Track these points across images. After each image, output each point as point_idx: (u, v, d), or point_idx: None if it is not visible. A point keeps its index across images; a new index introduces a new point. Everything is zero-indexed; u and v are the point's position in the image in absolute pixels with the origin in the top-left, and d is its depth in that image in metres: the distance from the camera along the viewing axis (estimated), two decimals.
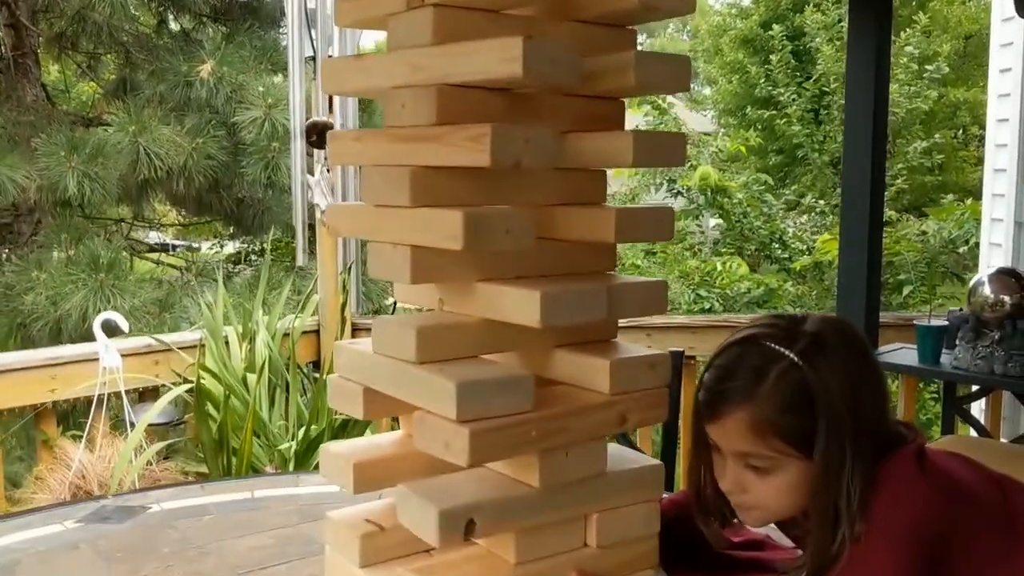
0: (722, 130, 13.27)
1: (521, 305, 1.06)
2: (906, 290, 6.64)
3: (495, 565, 1.09)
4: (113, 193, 5.87)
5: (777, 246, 8.07)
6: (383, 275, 1.13)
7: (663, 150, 1.15)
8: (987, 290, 2.55)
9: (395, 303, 3.45)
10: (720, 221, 8.73)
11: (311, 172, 3.14)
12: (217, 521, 1.59)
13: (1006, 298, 2.52)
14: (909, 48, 9.30)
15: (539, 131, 1.04)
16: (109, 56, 7.32)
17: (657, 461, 1.20)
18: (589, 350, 1.17)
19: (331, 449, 1.23)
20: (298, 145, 3.11)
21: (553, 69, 1.01)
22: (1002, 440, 3.28)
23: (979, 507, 1.14)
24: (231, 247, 10.19)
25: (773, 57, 10.09)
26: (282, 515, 1.62)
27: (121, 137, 5.71)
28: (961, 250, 7.01)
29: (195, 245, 11.10)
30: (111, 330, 2.78)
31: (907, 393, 3.37)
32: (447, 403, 1.01)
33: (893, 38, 9.67)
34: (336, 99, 3.07)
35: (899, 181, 8.86)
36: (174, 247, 10.56)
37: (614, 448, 1.20)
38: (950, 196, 8.49)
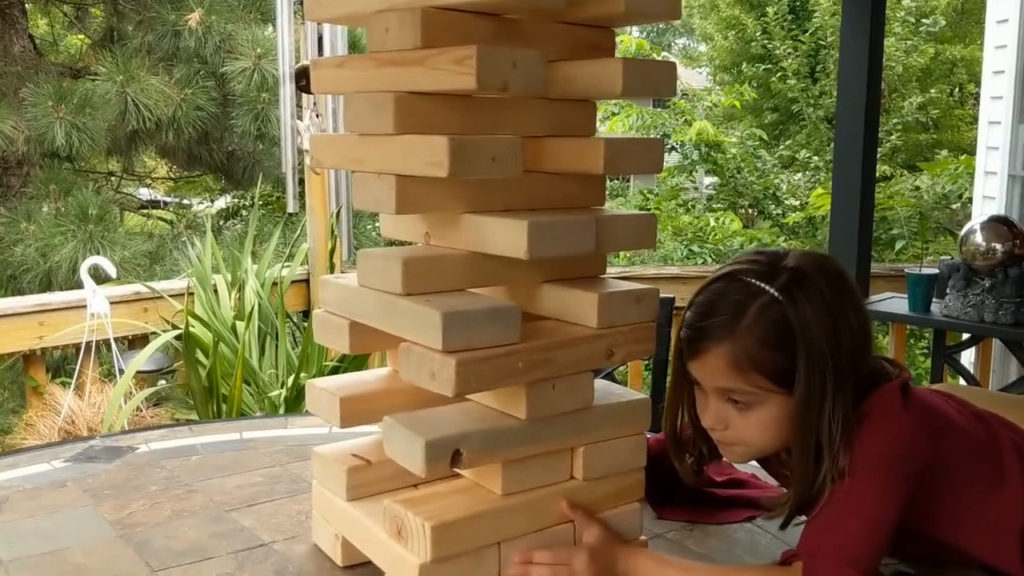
0: (717, 87, 13.17)
1: (508, 236, 1.05)
2: (898, 245, 6.64)
3: (481, 496, 1.09)
4: (102, 144, 5.81)
5: (771, 202, 8.05)
6: (368, 206, 1.11)
7: (653, 79, 1.12)
8: (979, 238, 2.54)
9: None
10: (714, 178, 8.71)
11: (300, 119, 3.10)
12: (205, 461, 1.59)
13: (998, 246, 2.50)
14: (906, 1, 9.20)
15: (527, 54, 1.01)
16: (97, 8, 7.20)
17: (643, 395, 1.19)
18: (577, 284, 1.16)
19: (318, 384, 1.22)
20: (287, 90, 3.06)
21: None
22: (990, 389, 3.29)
23: (963, 439, 1.14)
24: (222, 202, 10.13)
25: (770, 10, 9.97)
26: (270, 455, 1.61)
27: (109, 88, 5.64)
28: (954, 206, 7.00)
29: (186, 201, 11.03)
30: (99, 276, 2.76)
31: (897, 345, 3.38)
32: (433, 333, 1.00)
33: None
34: (326, 43, 3.02)
35: (893, 137, 8.82)
36: (164, 203, 10.49)
37: (601, 383, 1.19)
38: (944, 153, 8.44)
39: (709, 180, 9.49)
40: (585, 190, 1.18)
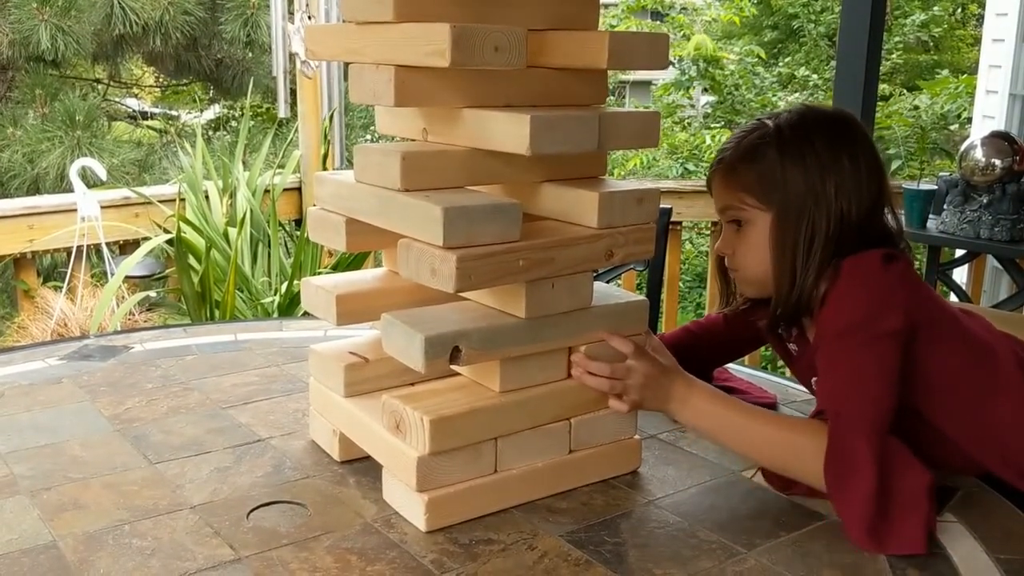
0: (716, 1, 12.91)
1: (509, 131, 1.03)
2: (895, 164, 6.60)
3: (479, 392, 1.09)
4: (88, 49, 5.68)
5: None
6: (365, 99, 1.08)
7: None
8: (979, 153, 2.52)
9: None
10: (711, 96, 8.59)
11: (291, 22, 3.02)
12: (200, 360, 1.59)
13: (997, 162, 2.48)
14: None
15: None
16: None
17: (642, 297, 1.19)
18: (578, 184, 1.14)
19: (314, 282, 1.21)
20: None
21: None
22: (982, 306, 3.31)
23: (958, 327, 1.19)
24: (211, 113, 9.97)
25: None
26: (265, 356, 1.61)
27: None
28: (953, 126, 6.95)
29: (174, 112, 10.84)
30: (88, 180, 2.72)
31: None
32: (434, 229, 0.99)
33: None
34: None
35: (894, 56, 8.69)
36: (152, 114, 10.31)
37: (599, 285, 1.18)
38: (945, 73, 8.34)
39: (706, 99, 9.36)
40: (587, 86, 1.15)
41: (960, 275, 3.68)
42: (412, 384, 1.15)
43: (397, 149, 1.05)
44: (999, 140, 2.53)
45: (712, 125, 8.37)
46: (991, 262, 3.44)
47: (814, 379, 1.23)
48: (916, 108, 7.14)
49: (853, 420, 1.06)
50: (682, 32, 8.24)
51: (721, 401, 1.16)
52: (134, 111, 9.17)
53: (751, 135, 1.22)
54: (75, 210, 2.68)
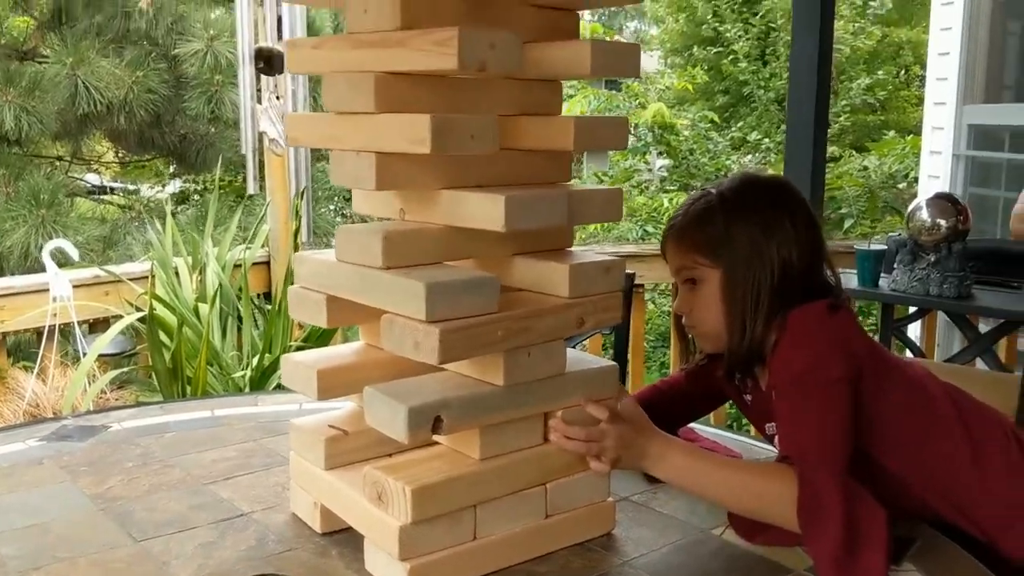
0: (669, 70, 13.26)
1: (485, 210, 1.09)
2: (847, 223, 6.79)
3: (459, 461, 1.14)
4: (52, 128, 5.71)
5: None
6: (346, 183, 1.14)
7: (620, 59, 1.17)
8: (925, 214, 2.64)
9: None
10: (667, 160, 8.79)
11: (259, 101, 3.10)
12: (179, 437, 1.61)
13: (942, 222, 2.60)
14: None
15: (504, 35, 1.05)
16: None
17: (611, 362, 1.25)
18: (548, 256, 1.20)
19: (294, 358, 1.25)
20: (246, 71, 3.06)
21: None
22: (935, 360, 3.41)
23: (901, 372, 1.26)
24: (173, 187, 9.97)
25: None
26: (243, 431, 1.64)
27: (58, 70, 5.54)
28: (901, 185, 7.18)
29: (133, 187, 10.84)
30: (60, 260, 2.74)
31: None
32: (417, 304, 1.04)
33: None
34: (285, 25, 3.02)
35: (842, 119, 8.98)
36: (112, 189, 10.30)
37: (571, 351, 1.24)
38: (891, 134, 8.64)
39: (661, 163, 9.58)
40: (554, 166, 1.23)
41: (913, 331, 3.79)
42: (391, 455, 1.19)
43: (379, 229, 1.11)
44: (943, 201, 2.66)
45: (669, 188, 8.55)
46: (942, 317, 3.55)
47: (768, 424, 1.31)
48: (865, 168, 7.37)
49: (817, 464, 1.14)
50: (637, 100, 8.47)
51: (695, 455, 1.23)
52: (94, 186, 9.16)
53: (698, 202, 1.33)
54: (46, 290, 2.70)
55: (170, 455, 1.52)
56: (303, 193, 3.20)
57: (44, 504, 1.32)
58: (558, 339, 1.17)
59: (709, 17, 10.36)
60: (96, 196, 8.37)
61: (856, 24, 9.22)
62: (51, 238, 4.99)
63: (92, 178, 9.65)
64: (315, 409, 1.31)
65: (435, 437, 1.16)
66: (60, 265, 2.77)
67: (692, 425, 1.59)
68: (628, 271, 2.22)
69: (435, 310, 1.04)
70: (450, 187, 1.14)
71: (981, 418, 1.29)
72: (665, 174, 9.26)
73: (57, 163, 7.49)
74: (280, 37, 3.03)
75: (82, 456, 1.52)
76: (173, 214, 6.85)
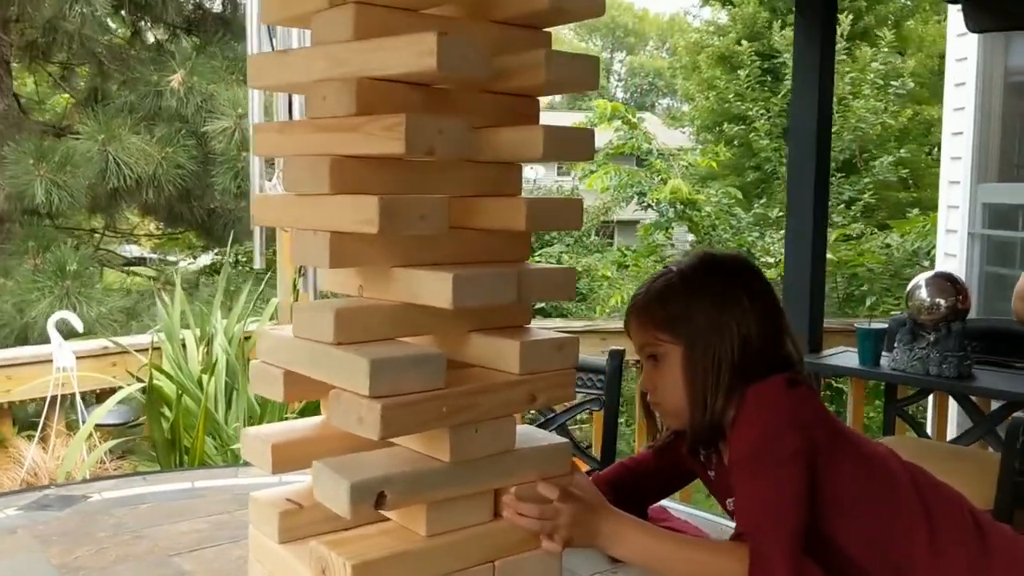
0: (699, 146, 13.42)
1: (434, 287, 1.12)
2: (869, 301, 6.74)
3: (407, 537, 1.14)
4: (82, 201, 5.89)
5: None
6: (305, 261, 1.18)
7: (571, 144, 1.20)
8: (924, 293, 2.63)
9: None
10: (692, 236, 8.84)
11: (269, 179, 3.18)
12: (154, 508, 1.63)
13: (941, 301, 2.59)
14: (876, 64, 9.46)
15: (452, 122, 1.09)
16: (83, 68, 7.34)
17: (563, 439, 1.25)
18: (502, 333, 1.22)
19: (251, 432, 1.27)
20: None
21: (465, 64, 1.06)
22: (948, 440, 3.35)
23: (859, 451, 1.26)
24: (205, 259, 10.19)
25: (741, 72, 10.23)
26: (219, 503, 1.65)
27: (90, 146, 5.73)
28: (925, 262, 7.13)
29: (171, 258, 11.08)
30: (67, 331, 2.81)
31: (856, 398, 3.45)
32: (360, 379, 1.06)
33: (861, 53, 9.82)
34: (296, 105, 3.11)
35: (866, 196, 8.99)
36: (149, 260, 10.53)
37: (524, 427, 1.25)
38: (915, 211, 8.62)
39: (689, 237, 9.63)
40: (510, 245, 1.25)
41: (929, 411, 3.73)
42: (345, 530, 1.19)
43: (330, 306, 1.13)
44: (943, 280, 2.65)
45: None
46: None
47: (729, 500, 1.31)
48: (888, 246, 7.35)
49: (769, 542, 1.14)
50: (660, 177, 8.55)
51: (649, 533, 1.23)
52: (130, 258, 9.37)
53: (659, 280, 1.36)
54: (52, 361, 2.76)
55: (142, 526, 1.54)
56: (302, 269, 3.26)
57: (8, 574, 1.34)
58: (508, 415, 1.18)
59: (731, 96, 10.50)
60: (127, 268, 8.55)
61: (879, 103, 9.29)
62: (74, 309, 5.11)
63: (133, 249, 9.89)
64: (293, 482, 1.32)
65: (386, 513, 1.17)
66: (68, 336, 2.84)
67: (665, 503, 1.59)
68: (618, 348, 2.24)
69: (379, 385, 1.06)
70: (405, 265, 1.17)
71: (941, 498, 1.28)
72: (688, 247, 9.31)
73: (91, 235, 7.69)
74: (291, 117, 3.13)
75: (56, 526, 1.54)
76: (198, 286, 7.00)
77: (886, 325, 2.87)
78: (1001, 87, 4.57)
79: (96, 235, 7.81)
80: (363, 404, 1.07)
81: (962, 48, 4.69)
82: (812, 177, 2.90)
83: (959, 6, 3.59)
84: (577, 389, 2.32)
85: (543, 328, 1.27)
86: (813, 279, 2.98)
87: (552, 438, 1.25)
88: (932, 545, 1.22)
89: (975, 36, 4.39)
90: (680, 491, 1.72)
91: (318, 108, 1.16)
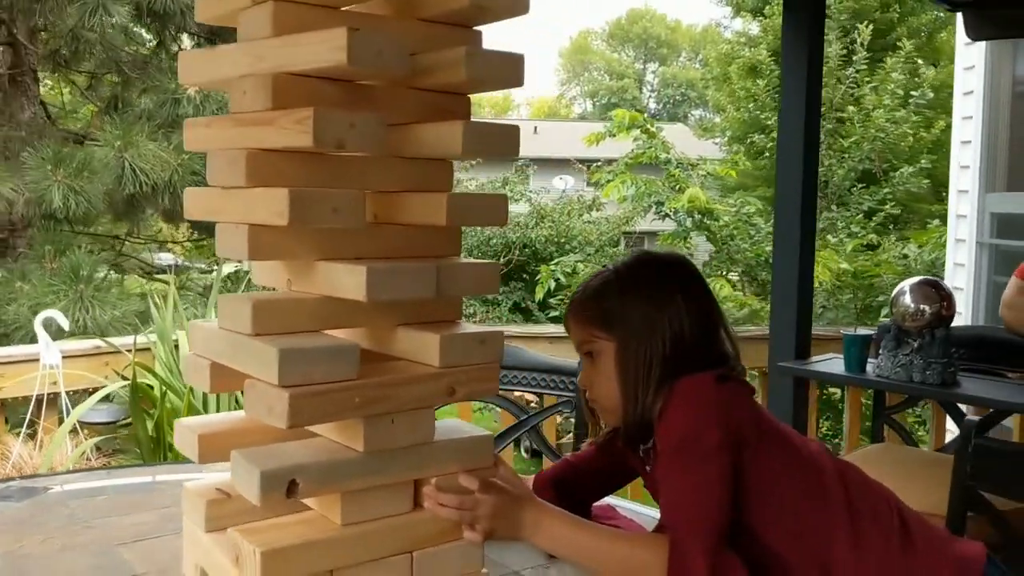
0: (721, 154, 13.36)
1: (350, 280, 1.13)
2: (884, 311, 6.66)
3: (322, 526, 1.15)
4: (99, 207, 5.99)
5: (762, 269, 8.12)
6: (227, 254, 1.20)
7: (494, 141, 1.21)
8: (908, 300, 2.60)
9: None
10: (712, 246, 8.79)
11: None
12: (110, 500, 1.65)
13: (926, 308, 2.56)
14: (895, 75, 9.38)
15: (365, 116, 1.11)
16: (108, 77, 7.48)
17: (487, 432, 1.26)
18: (425, 327, 1.23)
19: (183, 423, 1.29)
20: None
21: (379, 59, 1.08)
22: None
23: (787, 445, 1.24)
24: (228, 267, 10.29)
25: (760, 82, 10.18)
26: (174, 496, 1.66)
27: (107, 152, 5.84)
28: (942, 273, 7.04)
29: (200, 266, 11.20)
30: (52, 328, 2.86)
31: (852, 404, 3.42)
32: (270, 369, 1.08)
33: (881, 63, 9.73)
34: None
35: (887, 207, 8.91)
36: (179, 267, 10.66)
37: (450, 420, 1.26)
38: (936, 222, 8.52)
39: (708, 247, 9.58)
40: (436, 241, 1.26)
41: (925, 414, 3.69)
42: (268, 518, 1.21)
43: (250, 298, 1.15)
44: (927, 287, 2.62)
45: (712, 274, 8.52)
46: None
47: None
48: (905, 256, 7.27)
49: (689, 535, 1.15)
50: (677, 186, 8.52)
51: (571, 524, 1.24)
52: (162, 266, 9.47)
53: (596, 278, 1.39)
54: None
55: (93, 517, 1.56)
56: None
57: None
58: (427, 407, 1.19)
59: (750, 105, 10.45)
60: (148, 275, 8.66)
61: (898, 113, 9.20)
62: (88, 313, 5.20)
63: (166, 257, 10.01)
64: None
65: (307, 502, 1.19)
66: (56, 336, 2.89)
67: (612, 501, 1.59)
68: None
69: (288, 375, 1.07)
70: (327, 259, 1.19)
71: (869, 495, 1.28)
72: (707, 256, 9.26)
73: (113, 241, 7.82)
74: None
75: (10, 516, 1.57)
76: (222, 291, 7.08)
77: (872, 332, 2.85)
78: (1009, 96, 4.52)
79: (119, 241, 7.93)
80: (272, 393, 1.09)
81: (970, 57, 4.64)
82: (799, 181, 2.88)
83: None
84: (550, 392, 2.34)
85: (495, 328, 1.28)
86: (800, 284, 2.96)
87: (475, 430, 1.26)
88: (852, 538, 1.22)
89: (983, 45, 4.35)
90: (629, 488, 1.72)
91: (239, 103, 1.19)
